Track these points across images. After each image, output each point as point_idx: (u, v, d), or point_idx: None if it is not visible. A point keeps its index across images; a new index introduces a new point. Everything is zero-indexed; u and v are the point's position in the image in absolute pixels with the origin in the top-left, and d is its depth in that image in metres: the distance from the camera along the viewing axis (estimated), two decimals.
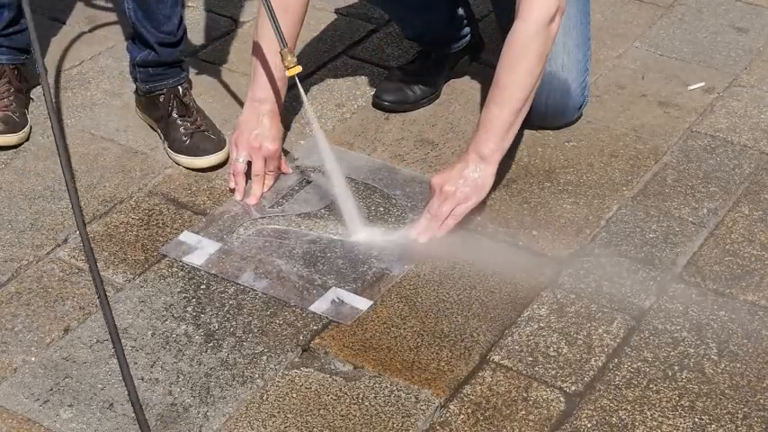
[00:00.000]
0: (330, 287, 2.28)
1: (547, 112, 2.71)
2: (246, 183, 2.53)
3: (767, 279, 2.32)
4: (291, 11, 2.45)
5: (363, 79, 2.98)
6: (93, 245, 2.37)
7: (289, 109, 2.84)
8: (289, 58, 2.33)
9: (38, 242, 2.39)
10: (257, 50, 2.49)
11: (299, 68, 2.34)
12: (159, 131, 2.71)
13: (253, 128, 2.49)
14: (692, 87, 2.96)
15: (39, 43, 2.92)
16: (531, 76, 2.33)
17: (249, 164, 2.51)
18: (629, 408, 2.02)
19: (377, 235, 2.42)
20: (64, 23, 3.22)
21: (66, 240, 2.40)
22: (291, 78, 2.39)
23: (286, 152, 2.65)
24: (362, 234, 2.41)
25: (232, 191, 2.53)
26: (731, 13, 3.31)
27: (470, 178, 2.35)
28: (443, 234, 2.39)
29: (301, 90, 2.42)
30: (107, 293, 2.24)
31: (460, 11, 2.87)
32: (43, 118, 2.79)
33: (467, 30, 2.91)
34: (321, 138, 2.44)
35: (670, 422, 1.99)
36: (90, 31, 3.18)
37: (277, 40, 2.33)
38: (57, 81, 2.93)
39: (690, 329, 2.19)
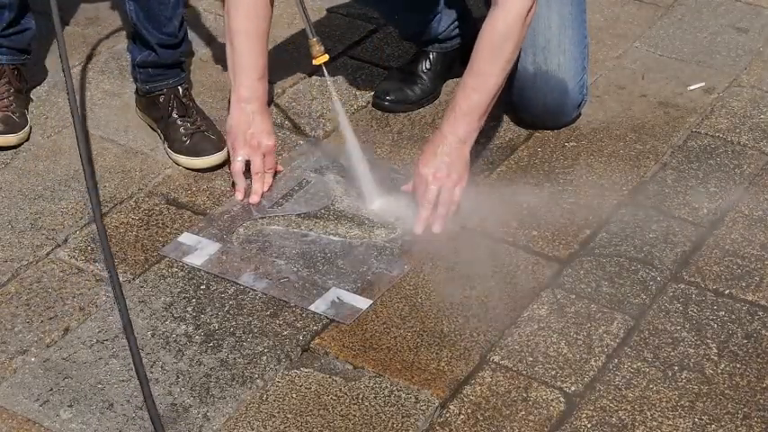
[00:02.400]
0: (330, 287, 2.28)
1: (545, 112, 2.72)
2: (246, 182, 2.53)
3: (767, 279, 2.32)
4: (258, 46, 2.51)
5: (363, 79, 2.98)
6: (93, 245, 2.38)
7: (288, 110, 2.84)
8: (317, 48, 2.45)
9: (38, 242, 2.39)
10: (233, 54, 2.50)
11: (326, 57, 2.47)
12: (159, 132, 2.71)
13: (246, 127, 2.49)
14: (692, 87, 2.96)
15: (39, 43, 2.95)
16: (509, 64, 2.38)
17: (247, 163, 2.51)
18: (629, 408, 2.02)
19: (391, 204, 2.50)
20: (64, 23, 3.21)
21: (65, 240, 2.40)
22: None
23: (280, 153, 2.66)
24: (378, 203, 2.50)
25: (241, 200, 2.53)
26: (731, 13, 3.31)
27: (455, 159, 2.39)
28: (450, 216, 2.42)
29: (327, 76, 2.53)
30: (107, 293, 2.25)
31: (456, 10, 2.87)
32: (43, 118, 2.79)
33: (465, 28, 2.91)
34: (344, 119, 2.57)
35: (670, 422, 1.99)
36: (90, 31, 3.18)
37: (307, 29, 2.44)
38: (57, 81, 2.93)
39: (690, 329, 2.19)
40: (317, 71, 3.00)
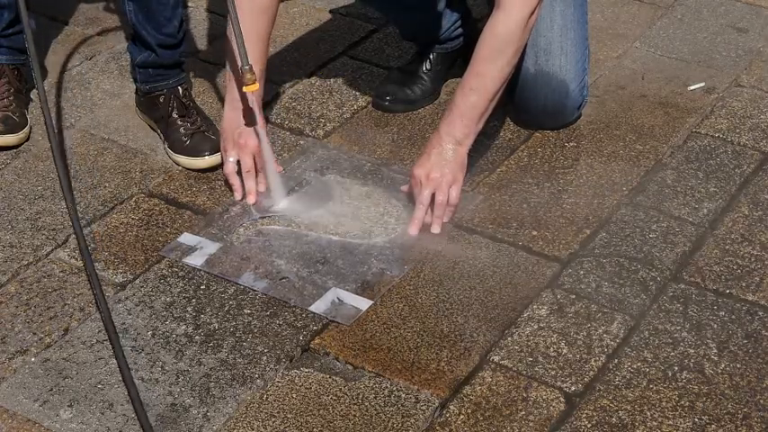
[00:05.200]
0: (330, 287, 2.28)
1: (546, 113, 2.72)
2: (240, 181, 2.53)
3: (767, 279, 2.32)
4: (256, 47, 2.47)
5: (363, 79, 2.98)
6: (93, 245, 2.38)
7: (288, 110, 2.84)
8: (248, 76, 2.38)
9: (38, 242, 2.39)
10: (230, 54, 2.49)
11: (256, 86, 2.40)
12: (159, 132, 2.71)
13: (235, 127, 2.50)
14: (692, 87, 2.96)
15: (39, 44, 2.95)
16: (510, 66, 2.38)
17: (240, 163, 2.52)
18: (629, 408, 2.02)
19: (297, 205, 2.49)
20: (64, 23, 3.22)
21: (66, 240, 2.40)
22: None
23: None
24: (283, 204, 2.49)
25: (241, 199, 2.53)
26: (731, 13, 3.31)
27: (451, 160, 2.39)
28: (447, 219, 2.43)
29: (254, 104, 2.46)
30: (106, 294, 2.25)
31: (456, 10, 2.87)
32: (43, 118, 2.79)
33: (465, 29, 2.91)
34: (263, 132, 2.50)
35: (670, 422, 1.99)
36: (90, 31, 3.19)
37: (239, 55, 2.38)
38: (57, 81, 2.94)
39: (690, 329, 2.19)
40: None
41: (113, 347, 2.08)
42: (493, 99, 2.38)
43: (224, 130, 2.52)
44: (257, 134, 2.49)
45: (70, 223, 2.44)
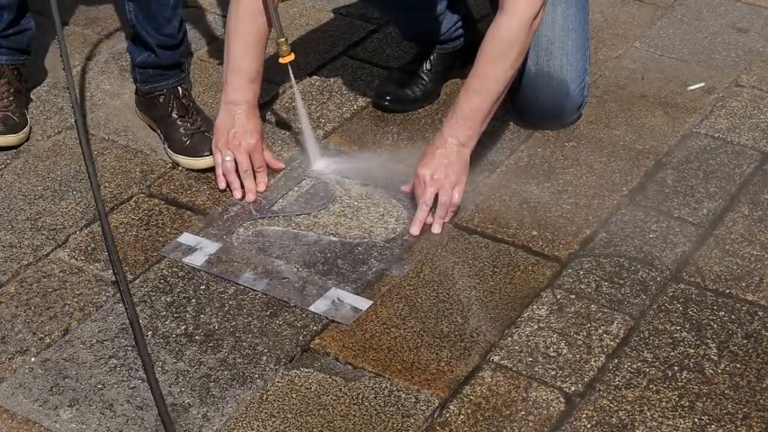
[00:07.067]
0: (330, 287, 2.28)
1: (546, 113, 2.72)
2: (240, 180, 2.53)
3: (767, 279, 2.32)
4: (254, 48, 2.52)
5: (363, 79, 2.98)
6: (93, 245, 2.38)
7: (288, 110, 2.84)
8: (284, 48, 2.49)
9: (38, 242, 2.39)
10: (228, 54, 2.52)
11: (292, 56, 2.52)
12: (159, 132, 2.71)
13: (229, 127, 2.50)
14: (691, 87, 2.96)
15: (39, 43, 2.95)
16: (513, 69, 2.38)
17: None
18: (628, 408, 2.02)
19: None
20: (64, 23, 3.21)
21: (66, 240, 2.40)
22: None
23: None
24: (320, 164, 2.62)
25: (222, 191, 2.53)
26: (731, 13, 3.31)
27: (455, 161, 2.39)
28: (448, 219, 2.43)
29: (291, 74, 2.58)
30: (107, 293, 2.25)
31: (457, 11, 2.87)
32: (43, 118, 2.79)
33: (465, 29, 2.91)
34: (300, 104, 2.65)
35: (670, 422, 1.99)
36: (90, 31, 3.19)
37: (276, 29, 2.47)
38: (57, 81, 2.94)
39: (690, 329, 2.19)
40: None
41: (135, 338, 2.09)
42: (496, 101, 2.39)
43: (218, 129, 2.53)
44: (254, 133, 2.51)
45: (70, 223, 2.44)
